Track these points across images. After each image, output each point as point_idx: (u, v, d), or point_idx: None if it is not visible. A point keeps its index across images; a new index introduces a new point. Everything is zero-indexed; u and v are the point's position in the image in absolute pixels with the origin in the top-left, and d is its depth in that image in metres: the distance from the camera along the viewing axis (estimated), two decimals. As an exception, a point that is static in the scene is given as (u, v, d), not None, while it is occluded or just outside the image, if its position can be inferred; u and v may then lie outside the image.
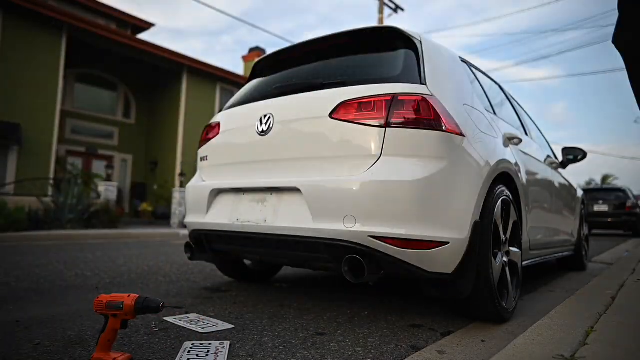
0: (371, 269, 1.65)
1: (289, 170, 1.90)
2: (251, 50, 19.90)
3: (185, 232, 2.76)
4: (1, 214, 7.24)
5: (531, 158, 2.71)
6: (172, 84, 14.76)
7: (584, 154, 3.73)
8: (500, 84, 3.05)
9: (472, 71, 2.43)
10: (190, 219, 2.31)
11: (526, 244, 2.41)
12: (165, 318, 1.90)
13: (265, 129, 2.01)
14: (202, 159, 2.38)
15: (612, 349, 1.28)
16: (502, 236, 2.03)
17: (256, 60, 2.58)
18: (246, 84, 2.59)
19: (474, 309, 1.91)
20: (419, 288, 1.88)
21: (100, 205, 9.38)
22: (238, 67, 20.32)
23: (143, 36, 17.21)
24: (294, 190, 1.82)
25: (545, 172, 3.01)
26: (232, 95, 8.55)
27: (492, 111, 2.37)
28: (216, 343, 1.56)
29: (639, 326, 1.54)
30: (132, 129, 15.34)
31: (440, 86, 1.86)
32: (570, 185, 3.78)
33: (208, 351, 1.46)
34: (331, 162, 1.79)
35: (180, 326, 1.79)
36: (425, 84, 1.81)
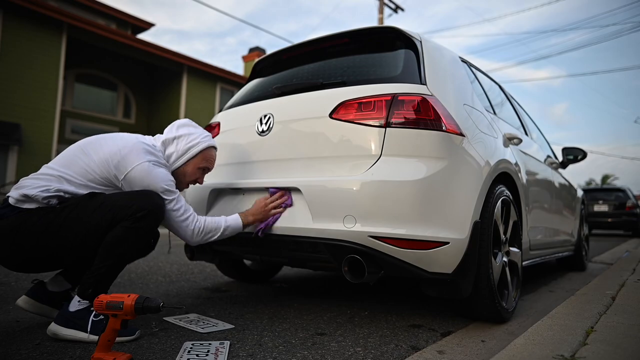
0: (371, 269, 1.65)
1: (289, 170, 1.90)
2: (251, 50, 19.90)
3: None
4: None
5: (531, 158, 2.71)
6: (172, 84, 14.77)
7: (584, 154, 3.73)
8: (500, 84, 3.05)
9: (472, 71, 2.43)
10: (190, 219, 2.31)
11: (526, 244, 2.41)
12: (165, 318, 1.90)
13: (265, 129, 2.01)
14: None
15: (612, 349, 1.28)
16: (502, 236, 2.03)
17: (256, 60, 2.58)
18: (246, 84, 2.59)
19: (474, 309, 1.91)
20: (419, 288, 1.88)
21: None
22: (240, 68, 20.30)
23: (143, 36, 17.23)
24: (294, 190, 1.82)
25: (545, 172, 3.01)
26: (232, 95, 8.55)
27: (492, 111, 2.37)
28: (216, 343, 1.56)
29: (639, 326, 1.54)
30: (132, 129, 15.34)
31: (440, 86, 1.86)
32: (570, 185, 3.78)
33: (208, 351, 1.46)
34: (331, 162, 1.79)
35: (180, 326, 1.79)
36: (425, 84, 1.81)
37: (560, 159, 3.74)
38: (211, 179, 2.26)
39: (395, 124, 1.71)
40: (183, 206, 1.74)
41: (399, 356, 1.50)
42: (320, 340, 1.67)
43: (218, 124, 2.32)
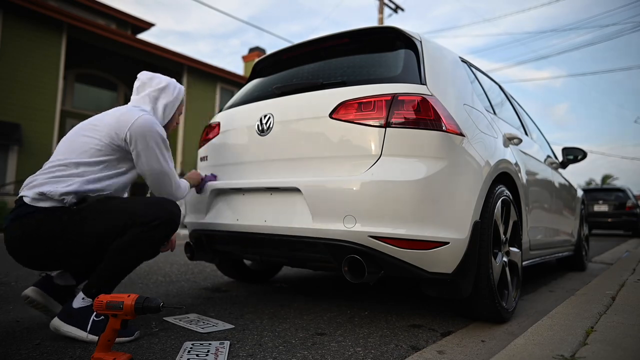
0: (371, 269, 1.65)
1: (289, 170, 1.90)
2: (251, 50, 19.89)
3: (186, 232, 2.76)
4: (1, 214, 7.25)
5: (531, 158, 2.71)
6: (172, 84, 14.75)
7: (584, 154, 3.73)
8: (500, 84, 3.05)
9: (472, 71, 2.43)
10: (190, 219, 2.31)
11: (526, 244, 2.41)
12: (165, 318, 1.90)
13: (265, 129, 2.01)
14: (202, 159, 2.39)
15: (612, 349, 1.28)
16: (502, 236, 2.03)
17: (256, 60, 2.58)
18: (246, 84, 2.59)
19: (474, 309, 1.91)
20: (419, 288, 1.88)
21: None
22: (240, 68, 20.29)
23: (143, 36, 17.22)
24: (294, 190, 1.82)
25: (545, 172, 3.01)
26: (232, 95, 8.54)
27: (492, 111, 2.37)
28: (216, 343, 1.56)
29: (639, 326, 1.54)
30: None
31: (440, 86, 1.86)
32: (570, 185, 3.78)
33: (208, 351, 1.46)
34: (331, 162, 1.79)
35: (180, 326, 1.79)
36: (425, 84, 1.81)
37: (560, 159, 3.74)
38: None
39: (395, 124, 1.71)
40: (172, 166, 1.84)
41: (399, 356, 1.50)
42: (320, 340, 1.67)
43: (218, 124, 2.32)
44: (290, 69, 2.29)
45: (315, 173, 1.81)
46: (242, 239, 2.03)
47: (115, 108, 1.81)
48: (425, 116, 1.72)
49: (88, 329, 1.55)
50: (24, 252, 1.60)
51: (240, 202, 2.05)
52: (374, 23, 16.79)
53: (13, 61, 10.65)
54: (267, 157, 1.99)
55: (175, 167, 2.00)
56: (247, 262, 2.97)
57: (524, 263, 2.38)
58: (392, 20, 25.70)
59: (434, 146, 1.70)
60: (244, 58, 19.89)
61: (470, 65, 2.46)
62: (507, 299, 2.00)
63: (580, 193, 4.11)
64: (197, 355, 1.42)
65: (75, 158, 1.64)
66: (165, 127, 1.94)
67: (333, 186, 1.70)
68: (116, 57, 13.70)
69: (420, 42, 1.99)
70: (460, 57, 2.33)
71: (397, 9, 15.76)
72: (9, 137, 10.42)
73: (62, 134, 12.86)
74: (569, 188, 3.67)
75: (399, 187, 1.62)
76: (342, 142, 1.77)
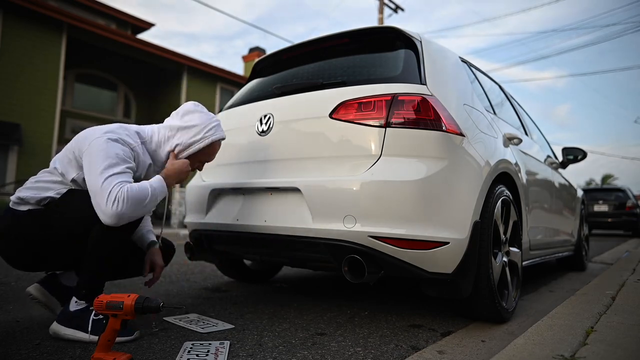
0: (371, 269, 1.65)
1: (289, 170, 1.90)
2: (251, 50, 19.89)
3: (185, 232, 2.76)
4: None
5: (531, 158, 2.71)
6: (172, 84, 14.77)
7: (584, 154, 3.74)
8: (500, 84, 3.05)
9: (472, 71, 2.43)
10: (190, 219, 2.31)
11: (526, 244, 2.41)
12: (165, 318, 1.90)
13: (265, 128, 2.01)
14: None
15: (612, 349, 1.28)
16: (502, 236, 2.03)
17: (256, 60, 2.58)
18: (246, 84, 2.59)
19: (474, 309, 1.91)
20: (419, 288, 1.88)
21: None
22: (241, 68, 20.29)
23: (143, 36, 17.23)
24: (294, 190, 1.82)
25: (545, 172, 3.01)
26: (232, 95, 8.55)
27: (492, 111, 2.37)
28: (216, 343, 1.56)
29: (639, 326, 1.54)
30: (132, 128, 15.34)
31: (440, 86, 1.86)
32: (570, 185, 3.78)
33: (208, 351, 1.46)
34: (331, 162, 1.79)
35: (180, 326, 1.79)
36: (425, 84, 1.81)
37: (560, 159, 3.74)
38: (211, 179, 2.27)
39: (395, 124, 1.71)
40: (114, 179, 1.49)
41: (399, 356, 1.50)
42: (320, 340, 1.66)
43: (218, 124, 2.32)
44: (290, 69, 2.29)
45: (315, 173, 1.81)
46: (242, 239, 2.03)
47: (103, 126, 1.71)
48: (425, 116, 1.72)
49: (89, 329, 1.55)
50: (6, 253, 1.63)
51: (240, 202, 2.05)
52: (375, 24, 16.79)
53: (13, 61, 10.65)
54: (267, 157, 1.99)
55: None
56: (247, 262, 2.97)
57: (524, 263, 2.38)
58: (392, 21, 25.70)
59: (434, 146, 1.70)
60: (244, 58, 19.89)
61: (470, 65, 2.46)
62: (507, 299, 2.00)
63: (580, 193, 4.11)
64: (197, 355, 1.42)
65: (60, 168, 1.63)
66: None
67: (333, 186, 1.70)
68: (116, 57, 13.71)
69: (420, 42, 1.99)
70: (460, 57, 2.33)
71: (397, 9, 15.76)
72: (9, 137, 10.42)
73: (62, 134, 12.88)
74: (569, 188, 3.67)
75: (399, 187, 1.62)
76: (342, 142, 1.77)
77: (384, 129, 1.71)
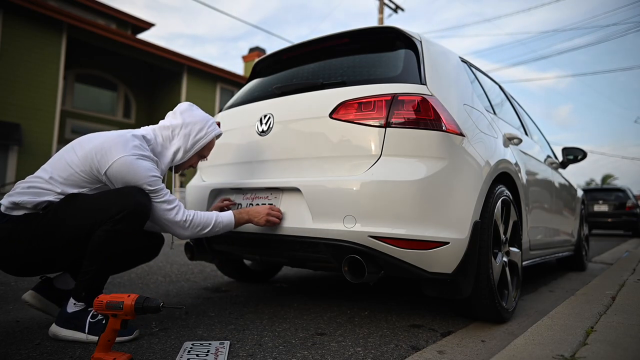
0: (371, 269, 1.65)
1: (289, 170, 1.90)
2: (251, 50, 19.90)
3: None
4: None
5: (531, 158, 2.71)
6: (172, 84, 14.77)
7: (584, 154, 3.74)
8: (501, 84, 3.05)
9: (472, 71, 2.43)
10: (190, 219, 2.31)
11: (526, 244, 2.41)
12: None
13: (265, 129, 2.01)
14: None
15: (612, 349, 1.28)
16: (502, 236, 2.03)
17: (256, 60, 2.58)
18: (246, 84, 2.59)
19: (474, 309, 1.91)
20: (419, 288, 1.88)
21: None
22: (241, 68, 20.27)
23: (143, 36, 17.23)
24: (294, 190, 1.82)
25: (545, 172, 3.01)
26: (232, 95, 8.55)
27: (492, 111, 2.37)
28: (216, 343, 1.56)
29: (639, 326, 1.54)
30: (132, 128, 15.35)
31: (440, 86, 1.86)
32: (570, 185, 3.78)
33: (208, 351, 1.46)
34: (331, 162, 1.79)
35: (180, 326, 1.79)
36: (425, 84, 1.81)
37: (560, 159, 3.74)
38: (211, 179, 2.27)
39: (395, 124, 1.71)
40: (168, 198, 1.67)
41: (399, 356, 1.50)
42: (320, 340, 1.66)
43: (218, 124, 2.32)
44: (290, 69, 2.29)
45: (315, 173, 1.81)
46: (242, 239, 2.03)
47: (114, 132, 1.69)
48: (425, 116, 1.72)
49: (86, 330, 1.55)
50: (2, 261, 1.59)
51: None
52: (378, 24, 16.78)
53: (13, 61, 10.65)
54: (267, 157, 1.99)
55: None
56: (247, 262, 2.97)
57: (524, 263, 2.38)
58: (393, 21, 25.70)
59: (434, 146, 1.70)
60: (244, 58, 19.89)
61: (470, 65, 2.46)
62: (507, 299, 2.00)
63: (580, 193, 4.11)
64: (197, 355, 1.42)
65: (58, 177, 1.59)
66: (177, 165, 1.86)
67: (333, 186, 1.70)
68: (116, 57, 13.71)
69: (420, 42, 1.99)
70: (460, 57, 2.33)
71: (397, 9, 15.76)
72: (9, 137, 10.42)
73: (62, 134, 12.90)
74: (569, 188, 3.67)
75: (399, 187, 1.62)
76: (342, 142, 1.77)
77: (384, 129, 1.71)
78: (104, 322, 1.56)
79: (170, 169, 1.88)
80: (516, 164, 2.28)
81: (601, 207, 11.10)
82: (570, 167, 3.90)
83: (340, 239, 1.65)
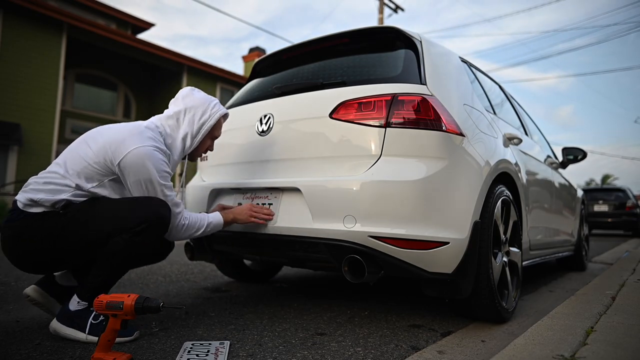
0: (371, 269, 1.65)
1: (289, 170, 1.90)
2: (251, 50, 19.88)
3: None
4: (1, 214, 7.25)
5: (531, 158, 2.71)
6: (172, 84, 14.76)
7: (583, 154, 3.74)
8: (501, 84, 3.05)
9: (472, 71, 2.43)
10: (190, 219, 2.31)
11: (526, 244, 2.41)
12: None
13: (265, 128, 2.01)
14: (202, 158, 2.39)
15: (612, 349, 1.28)
16: (502, 236, 2.03)
17: (256, 60, 2.58)
18: (246, 83, 2.59)
19: (474, 309, 1.91)
20: (419, 288, 1.88)
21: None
22: (241, 68, 20.29)
23: (143, 36, 17.23)
24: (294, 190, 1.82)
25: (546, 172, 3.01)
26: (232, 95, 8.56)
27: (492, 111, 2.37)
28: (216, 343, 1.56)
29: (639, 326, 1.54)
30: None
31: (440, 86, 1.86)
32: (570, 185, 3.78)
33: (208, 351, 1.46)
34: (331, 162, 1.79)
35: (180, 326, 1.79)
36: (425, 84, 1.81)
37: (560, 159, 3.74)
38: (211, 179, 2.27)
39: (395, 124, 1.71)
40: (174, 200, 1.68)
41: (399, 356, 1.50)
42: (320, 340, 1.66)
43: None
44: (290, 69, 2.29)
45: (315, 173, 1.81)
46: (242, 239, 2.02)
47: (127, 124, 1.68)
48: (425, 116, 1.72)
49: (87, 330, 1.55)
50: (13, 254, 1.59)
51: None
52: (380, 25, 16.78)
53: (13, 61, 10.64)
54: (267, 157, 1.99)
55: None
56: (247, 262, 2.97)
57: (524, 263, 2.38)
58: (394, 21, 25.70)
59: (434, 146, 1.70)
60: (244, 58, 19.88)
61: (470, 65, 2.46)
62: (507, 299, 2.00)
63: (580, 193, 4.11)
64: (197, 355, 1.42)
65: (71, 171, 1.58)
66: (191, 153, 1.86)
67: (333, 186, 1.70)
68: (116, 57, 13.70)
69: (420, 42, 1.99)
70: (460, 57, 2.33)
71: (397, 9, 15.76)
72: (9, 137, 10.42)
73: (62, 134, 12.89)
74: (569, 188, 3.67)
75: (399, 187, 1.62)
76: (342, 142, 1.77)
77: (384, 129, 1.71)
78: (104, 323, 1.55)
79: (184, 157, 1.87)
80: (516, 164, 2.28)
81: (601, 207, 11.10)
82: (570, 167, 3.90)
83: (340, 239, 1.65)
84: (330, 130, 1.81)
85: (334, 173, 1.75)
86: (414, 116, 1.71)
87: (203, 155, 2.34)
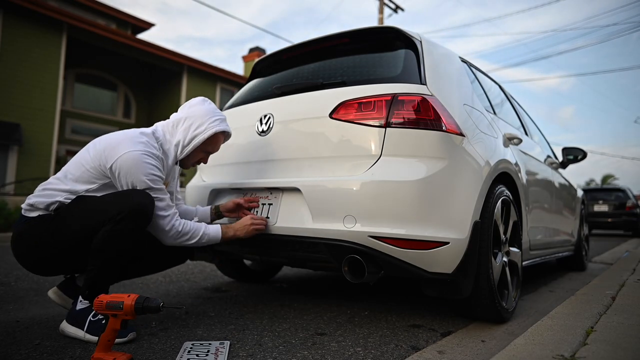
0: (371, 269, 1.65)
1: (289, 170, 1.90)
2: (251, 50, 19.89)
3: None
4: (1, 214, 7.25)
5: (531, 158, 2.71)
6: (172, 84, 14.77)
7: (583, 154, 3.74)
8: (501, 84, 3.05)
9: (472, 71, 2.43)
10: (190, 219, 2.31)
11: (526, 244, 2.41)
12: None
13: (265, 129, 2.01)
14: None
15: (612, 349, 1.28)
16: (502, 236, 2.03)
17: (256, 60, 2.58)
18: (246, 84, 2.59)
19: (474, 309, 1.91)
20: (419, 288, 1.88)
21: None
22: (241, 68, 20.29)
23: (143, 36, 17.22)
24: (294, 190, 1.82)
25: (546, 172, 3.00)
26: (232, 95, 8.55)
27: (492, 111, 2.37)
28: (216, 343, 1.56)
29: (639, 326, 1.54)
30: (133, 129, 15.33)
31: (440, 86, 1.86)
32: (570, 185, 3.78)
33: (208, 351, 1.46)
34: (331, 162, 1.79)
35: (180, 326, 1.79)
36: (425, 84, 1.81)
37: (560, 159, 3.74)
38: (211, 179, 2.27)
39: (395, 124, 1.71)
40: (165, 202, 1.69)
41: (399, 356, 1.50)
42: (320, 340, 1.66)
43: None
44: (290, 69, 2.29)
45: (315, 173, 1.81)
46: (242, 239, 2.02)
47: (126, 130, 1.74)
48: (425, 116, 1.72)
49: (85, 328, 1.56)
50: (17, 255, 1.67)
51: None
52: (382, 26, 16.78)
53: (13, 61, 10.64)
54: (267, 157, 1.99)
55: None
56: (247, 262, 2.97)
57: (524, 263, 2.38)
58: (394, 21, 25.72)
59: (434, 146, 1.70)
60: (244, 58, 19.89)
61: (470, 65, 2.46)
62: (507, 299, 2.00)
63: (580, 193, 4.11)
64: (197, 355, 1.42)
65: (70, 176, 1.66)
66: (182, 160, 1.86)
67: (333, 186, 1.69)
68: (116, 57, 13.70)
69: (420, 42, 1.99)
70: (460, 57, 2.33)
71: (397, 9, 15.76)
72: (9, 137, 10.42)
73: (62, 134, 12.90)
74: (569, 188, 3.67)
75: (399, 187, 1.62)
76: (342, 142, 1.77)
77: (384, 129, 1.71)
78: (103, 321, 1.56)
79: (176, 163, 1.90)
80: (516, 164, 2.28)
81: (601, 207, 11.10)
82: (571, 167, 3.90)
83: (340, 239, 1.65)
84: (330, 130, 1.81)
85: (334, 173, 1.75)
86: (414, 116, 1.71)
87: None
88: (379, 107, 1.74)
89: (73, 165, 1.69)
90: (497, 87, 2.91)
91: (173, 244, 1.74)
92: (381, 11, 15.15)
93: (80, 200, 1.62)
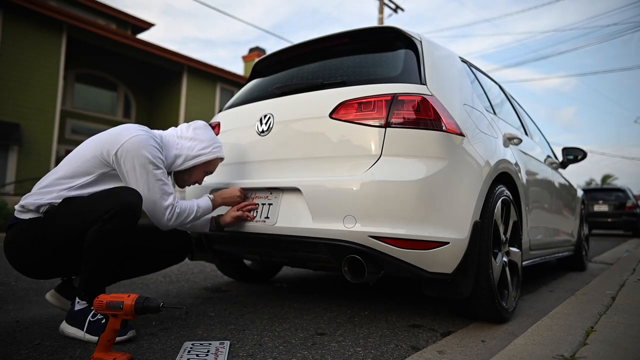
0: (371, 269, 1.65)
1: (288, 170, 1.90)
2: (251, 50, 19.88)
3: (185, 232, 2.76)
4: (1, 214, 7.25)
5: (531, 158, 2.71)
6: (172, 84, 14.77)
7: (583, 154, 3.74)
8: (501, 84, 3.05)
9: (472, 71, 2.43)
10: (190, 219, 2.31)
11: (526, 244, 2.41)
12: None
13: (265, 129, 2.01)
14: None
15: (612, 349, 1.28)
16: (502, 236, 2.03)
17: (256, 60, 2.58)
18: (246, 83, 2.59)
19: (474, 309, 1.91)
20: (419, 288, 1.88)
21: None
22: (241, 68, 20.28)
23: (143, 36, 17.23)
24: (294, 190, 1.82)
25: (546, 172, 3.00)
26: (232, 95, 8.56)
27: (492, 111, 2.37)
28: (216, 343, 1.56)
29: (639, 326, 1.54)
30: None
31: (440, 86, 1.86)
32: (570, 185, 3.78)
33: (208, 351, 1.46)
34: (331, 162, 1.79)
35: (180, 326, 1.79)
36: (425, 84, 1.81)
37: (560, 159, 3.74)
38: (211, 179, 2.27)
39: (395, 124, 1.71)
40: (167, 186, 1.72)
41: (399, 356, 1.50)
42: (320, 340, 1.66)
43: (218, 124, 2.32)
44: (290, 69, 2.29)
45: (315, 173, 1.81)
46: (242, 239, 2.03)
47: (127, 125, 1.77)
48: (425, 116, 1.72)
49: (85, 328, 1.56)
50: (9, 258, 1.66)
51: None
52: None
53: (13, 61, 10.64)
54: (267, 157, 1.99)
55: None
56: (247, 262, 2.97)
57: (524, 263, 2.38)
58: (394, 21, 25.71)
59: (434, 146, 1.70)
60: (244, 58, 19.88)
61: (470, 65, 2.46)
62: (507, 299, 2.00)
63: (580, 193, 4.11)
64: (197, 355, 1.42)
65: (66, 173, 1.65)
66: (181, 173, 1.91)
67: (333, 186, 1.69)
68: (116, 57, 13.70)
69: (420, 42, 1.99)
70: (460, 57, 2.33)
71: (397, 9, 15.76)
72: (9, 137, 10.42)
73: (62, 133, 12.89)
74: (569, 188, 3.67)
75: (399, 187, 1.62)
76: (342, 142, 1.77)
77: (384, 129, 1.71)
78: (103, 321, 1.56)
79: (169, 173, 1.91)
80: (516, 164, 2.28)
81: (601, 207, 11.11)
82: (571, 167, 3.90)
83: (340, 239, 1.65)
84: (330, 130, 1.81)
85: (334, 173, 1.75)
86: (414, 116, 1.71)
87: None
88: (379, 107, 1.74)
89: (68, 161, 1.68)
90: (497, 87, 2.91)
91: (175, 226, 1.79)
92: (381, 11, 15.15)
93: (69, 202, 1.61)
